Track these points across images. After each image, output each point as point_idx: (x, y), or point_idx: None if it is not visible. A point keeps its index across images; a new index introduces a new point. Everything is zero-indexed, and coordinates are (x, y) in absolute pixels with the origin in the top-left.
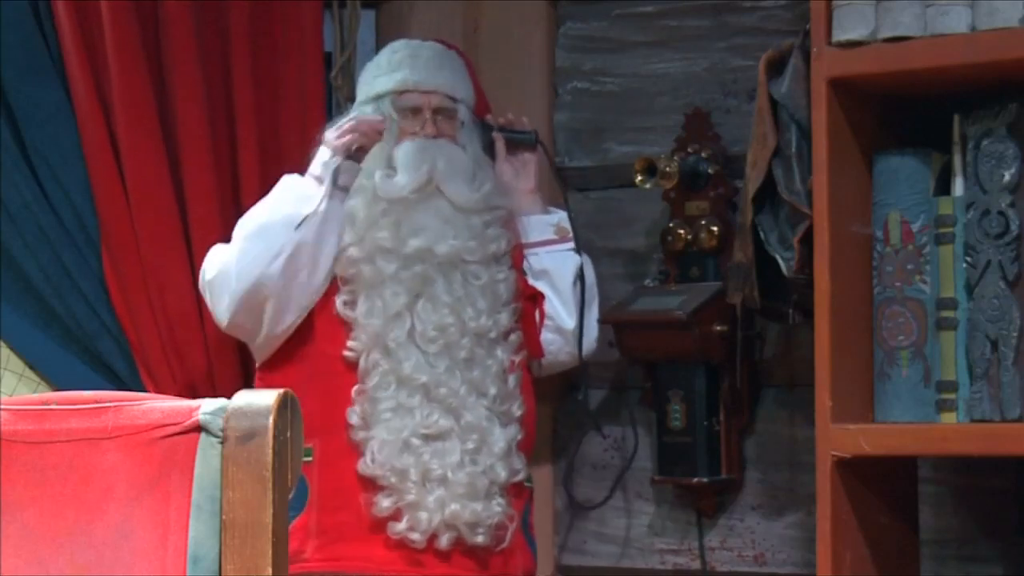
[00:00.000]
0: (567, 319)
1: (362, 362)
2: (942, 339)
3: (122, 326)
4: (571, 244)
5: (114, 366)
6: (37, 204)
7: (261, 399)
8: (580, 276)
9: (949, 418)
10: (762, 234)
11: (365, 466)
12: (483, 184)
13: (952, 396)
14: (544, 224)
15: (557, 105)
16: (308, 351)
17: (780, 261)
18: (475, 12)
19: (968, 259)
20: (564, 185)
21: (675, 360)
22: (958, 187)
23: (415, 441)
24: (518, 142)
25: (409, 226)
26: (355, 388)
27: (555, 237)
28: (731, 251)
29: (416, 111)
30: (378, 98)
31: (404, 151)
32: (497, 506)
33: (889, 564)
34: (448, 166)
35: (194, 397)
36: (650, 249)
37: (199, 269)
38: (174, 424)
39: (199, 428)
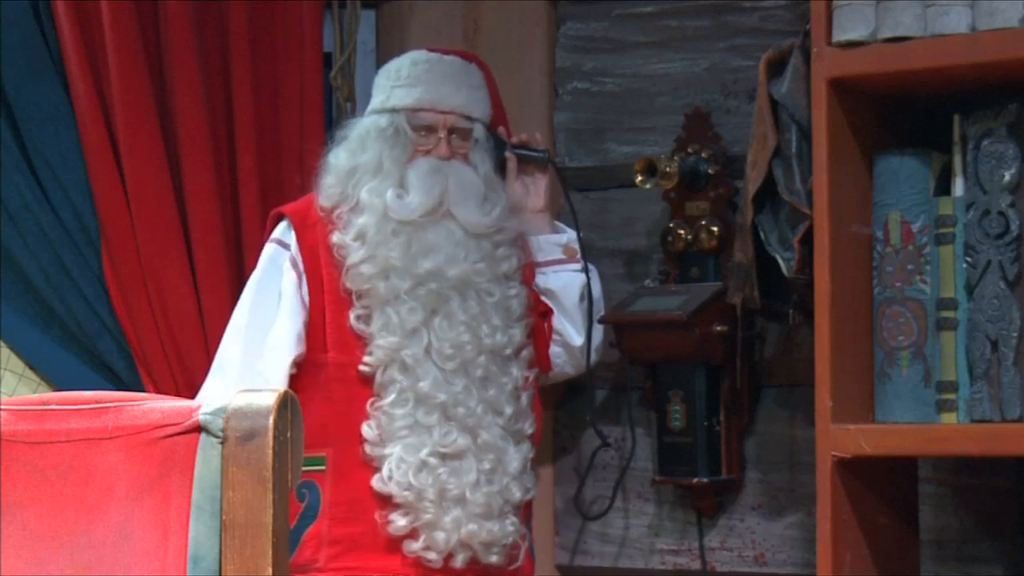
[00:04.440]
0: (575, 336)
1: (378, 377)
2: (942, 339)
3: (122, 326)
4: (579, 264)
5: (114, 366)
6: (37, 204)
7: (261, 399)
8: (587, 295)
9: (949, 418)
10: (762, 234)
11: (381, 483)
12: (494, 207)
13: (952, 396)
14: (552, 244)
15: (557, 105)
16: (322, 359)
17: (780, 261)
18: (475, 12)
19: (968, 259)
20: (572, 205)
21: (675, 360)
22: (958, 187)
23: (432, 460)
24: (530, 160)
25: (420, 247)
26: (370, 402)
27: (563, 257)
28: (731, 251)
29: (431, 129)
30: (393, 111)
31: (417, 171)
32: (511, 525)
33: (889, 564)
34: (460, 190)
35: (194, 397)
36: (650, 249)
37: (199, 269)
38: (174, 424)
39: (199, 428)
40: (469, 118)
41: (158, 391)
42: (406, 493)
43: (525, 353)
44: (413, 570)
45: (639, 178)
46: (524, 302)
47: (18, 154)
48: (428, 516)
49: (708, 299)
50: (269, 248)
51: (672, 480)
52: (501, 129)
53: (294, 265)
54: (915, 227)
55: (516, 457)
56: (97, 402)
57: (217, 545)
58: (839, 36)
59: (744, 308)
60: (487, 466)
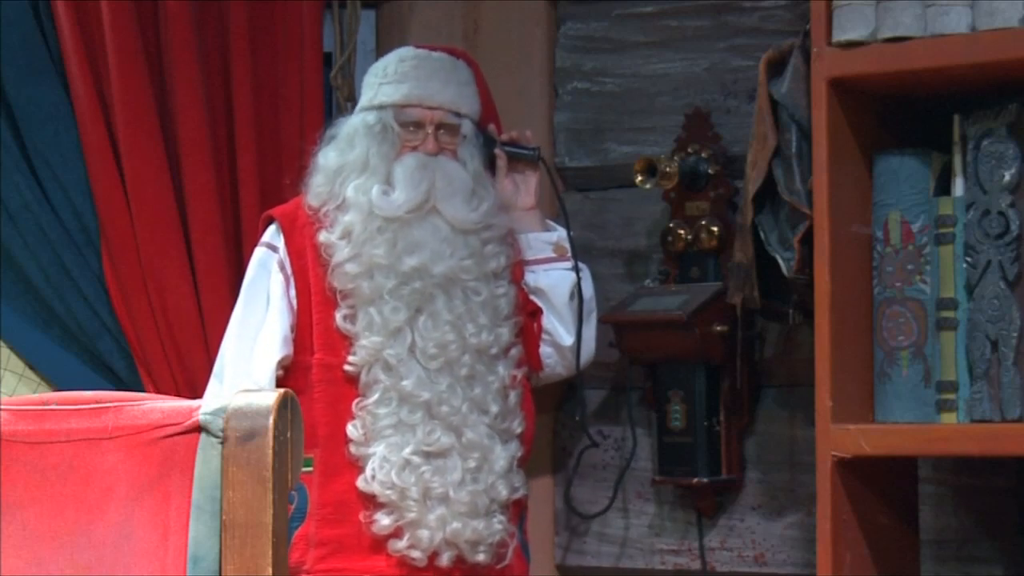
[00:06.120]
0: (565, 336)
1: (363, 376)
2: (942, 339)
3: (122, 326)
4: (569, 263)
5: (114, 366)
6: (37, 204)
7: (261, 399)
8: (577, 294)
9: (949, 418)
10: (762, 234)
11: (365, 483)
12: (481, 203)
13: (952, 396)
14: (542, 242)
15: (557, 105)
16: (308, 361)
17: (780, 261)
18: (475, 12)
19: (968, 259)
20: (563, 203)
21: (675, 360)
22: (958, 187)
23: (416, 459)
24: (520, 158)
25: (405, 244)
26: (355, 402)
27: (553, 255)
28: (731, 251)
29: (419, 125)
30: (381, 108)
31: (403, 167)
32: (498, 524)
33: (889, 564)
34: (447, 185)
35: (194, 397)
36: (650, 249)
37: (199, 269)
38: (174, 424)
39: (199, 428)
40: (457, 114)
41: (158, 391)
42: (389, 492)
43: (514, 352)
44: (398, 570)
45: (639, 178)
46: (512, 301)
47: (18, 154)
48: (412, 515)
49: (708, 299)
50: (258, 251)
51: (672, 480)
52: (491, 126)
53: (282, 268)
54: (915, 227)
55: (503, 456)
56: (97, 402)
57: (217, 545)
58: (839, 36)
59: (744, 308)
60: (472, 464)
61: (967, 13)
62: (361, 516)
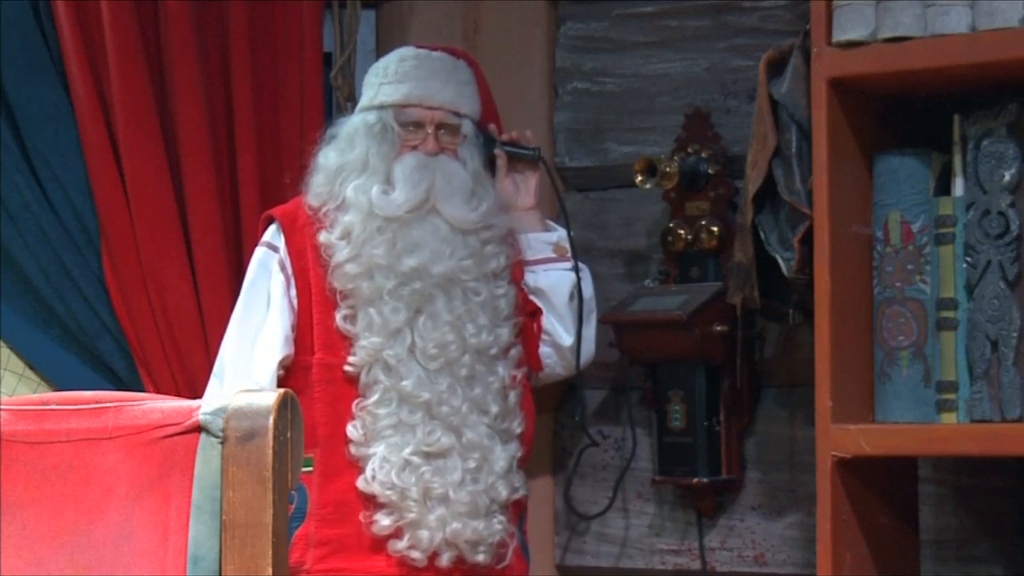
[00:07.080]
0: (564, 336)
1: (363, 377)
2: (942, 339)
3: (122, 326)
4: (569, 263)
5: (114, 366)
6: (37, 204)
7: (261, 399)
8: (577, 294)
9: (949, 418)
10: (762, 234)
11: (365, 483)
12: (481, 203)
13: (952, 396)
14: (542, 242)
15: (557, 105)
16: (309, 361)
17: (780, 261)
18: (475, 12)
19: (968, 259)
20: (563, 203)
21: (675, 360)
22: (958, 187)
23: (416, 459)
24: (520, 158)
25: (404, 244)
26: (355, 402)
27: (553, 255)
28: (731, 251)
29: (419, 125)
30: (381, 108)
31: (403, 167)
32: (498, 524)
33: (889, 564)
34: (447, 185)
35: (194, 397)
36: (650, 249)
37: (199, 269)
38: (174, 424)
39: (199, 428)
40: (457, 114)
41: (158, 391)
42: (389, 492)
43: (513, 352)
44: (398, 570)
45: (639, 178)
46: (512, 301)
47: (18, 154)
48: (412, 515)
49: (708, 299)
50: (259, 252)
51: (672, 480)
52: (492, 126)
53: (282, 268)
54: (915, 227)
55: (502, 456)
56: (97, 402)
57: (217, 545)
58: (839, 36)
59: (744, 308)
60: (472, 465)
61: (967, 13)
62: (361, 516)
